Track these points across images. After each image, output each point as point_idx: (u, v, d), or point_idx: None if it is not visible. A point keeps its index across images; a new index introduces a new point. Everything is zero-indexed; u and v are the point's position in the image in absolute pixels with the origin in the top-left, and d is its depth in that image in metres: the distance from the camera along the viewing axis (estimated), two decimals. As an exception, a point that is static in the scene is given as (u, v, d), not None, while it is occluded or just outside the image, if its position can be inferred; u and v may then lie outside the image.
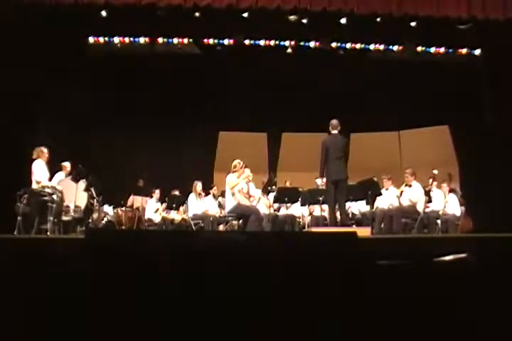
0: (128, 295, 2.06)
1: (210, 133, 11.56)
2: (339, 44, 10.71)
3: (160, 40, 10.46)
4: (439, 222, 8.60)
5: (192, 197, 9.33)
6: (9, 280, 2.30)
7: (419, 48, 10.79)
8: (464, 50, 10.89)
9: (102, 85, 10.38)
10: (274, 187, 8.93)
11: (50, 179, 7.98)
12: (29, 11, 8.34)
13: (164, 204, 9.64)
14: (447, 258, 2.53)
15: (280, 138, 11.95)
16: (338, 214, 7.80)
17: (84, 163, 8.13)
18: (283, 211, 9.57)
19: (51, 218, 7.34)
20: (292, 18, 9.25)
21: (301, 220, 9.38)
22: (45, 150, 7.74)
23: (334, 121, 7.73)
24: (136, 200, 10.01)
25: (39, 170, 7.59)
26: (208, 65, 10.61)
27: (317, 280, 2.15)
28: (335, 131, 7.71)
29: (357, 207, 9.40)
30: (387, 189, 9.15)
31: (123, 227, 9.19)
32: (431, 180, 9.01)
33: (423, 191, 8.67)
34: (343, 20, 9.34)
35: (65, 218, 8.05)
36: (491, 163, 9.81)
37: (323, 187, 8.59)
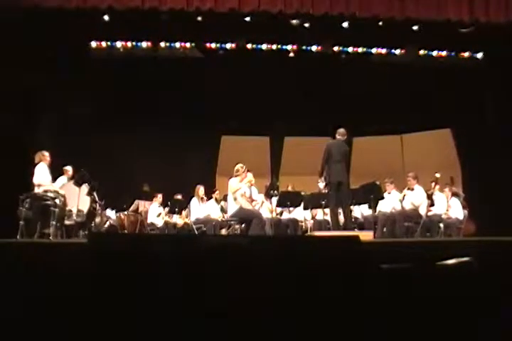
0: (131, 300, 2.05)
1: (213, 137, 11.56)
2: (341, 48, 10.71)
3: (162, 44, 10.48)
4: (441, 225, 8.59)
5: (194, 201, 9.34)
6: (12, 283, 2.30)
7: (421, 52, 10.78)
8: (466, 54, 10.88)
9: (105, 89, 10.40)
10: (276, 191, 8.92)
11: (53, 183, 7.97)
12: (32, 15, 8.35)
13: (167, 209, 9.65)
14: (450, 262, 2.52)
15: (282, 142, 11.96)
16: (341, 217, 7.82)
17: (86, 167, 8.14)
18: (285, 215, 9.57)
19: (53, 222, 7.33)
20: (294, 22, 9.26)
21: (303, 224, 9.37)
22: (46, 153, 7.74)
23: (342, 130, 7.92)
24: (140, 205, 10.02)
25: (40, 174, 7.59)
26: (210, 69, 10.62)
27: (320, 284, 2.14)
28: (339, 137, 7.85)
29: (359, 211, 9.39)
30: (389, 193, 9.14)
31: (125, 231, 9.19)
32: (433, 184, 9.01)
33: (425, 195, 8.66)
34: (345, 24, 9.35)
35: (67, 222, 8.04)
36: (493, 166, 9.80)
37: (326, 191, 8.60)
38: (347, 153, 7.95)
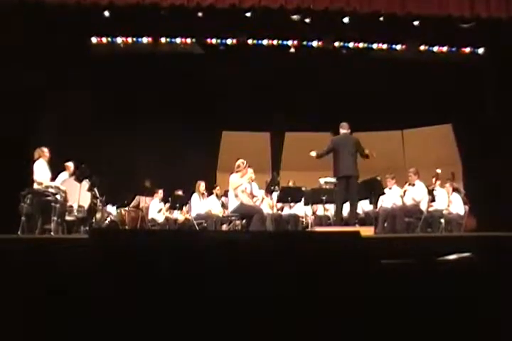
0: (132, 295, 2.06)
1: (213, 132, 11.55)
2: (342, 43, 10.69)
3: (163, 40, 10.46)
4: (442, 221, 8.59)
5: (195, 197, 9.34)
6: (13, 279, 2.30)
7: (422, 47, 10.76)
8: (467, 49, 10.86)
9: (105, 85, 10.39)
10: (277, 186, 8.92)
11: (54, 179, 7.98)
12: (32, 11, 8.34)
13: (167, 204, 9.66)
14: (451, 257, 2.52)
15: (283, 138, 11.95)
16: (344, 212, 7.78)
17: (86, 163, 8.14)
18: (286, 210, 9.57)
19: (55, 218, 7.34)
20: (295, 17, 9.24)
21: (304, 220, 9.37)
22: (45, 149, 7.73)
23: (344, 123, 7.85)
24: (141, 201, 10.03)
25: (39, 171, 7.59)
26: (210, 65, 10.61)
27: (320, 280, 2.14)
28: (344, 131, 7.78)
29: (360, 207, 9.38)
30: (390, 188, 9.15)
31: (126, 227, 9.20)
32: (434, 179, 9.01)
33: (426, 190, 8.66)
34: (346, 20, 9.33)
35: (68, 218, 8.05)
36: (494, 162, 9.79)
37: (327, 187, 8.60)
38: (357, 143, 7.71)
